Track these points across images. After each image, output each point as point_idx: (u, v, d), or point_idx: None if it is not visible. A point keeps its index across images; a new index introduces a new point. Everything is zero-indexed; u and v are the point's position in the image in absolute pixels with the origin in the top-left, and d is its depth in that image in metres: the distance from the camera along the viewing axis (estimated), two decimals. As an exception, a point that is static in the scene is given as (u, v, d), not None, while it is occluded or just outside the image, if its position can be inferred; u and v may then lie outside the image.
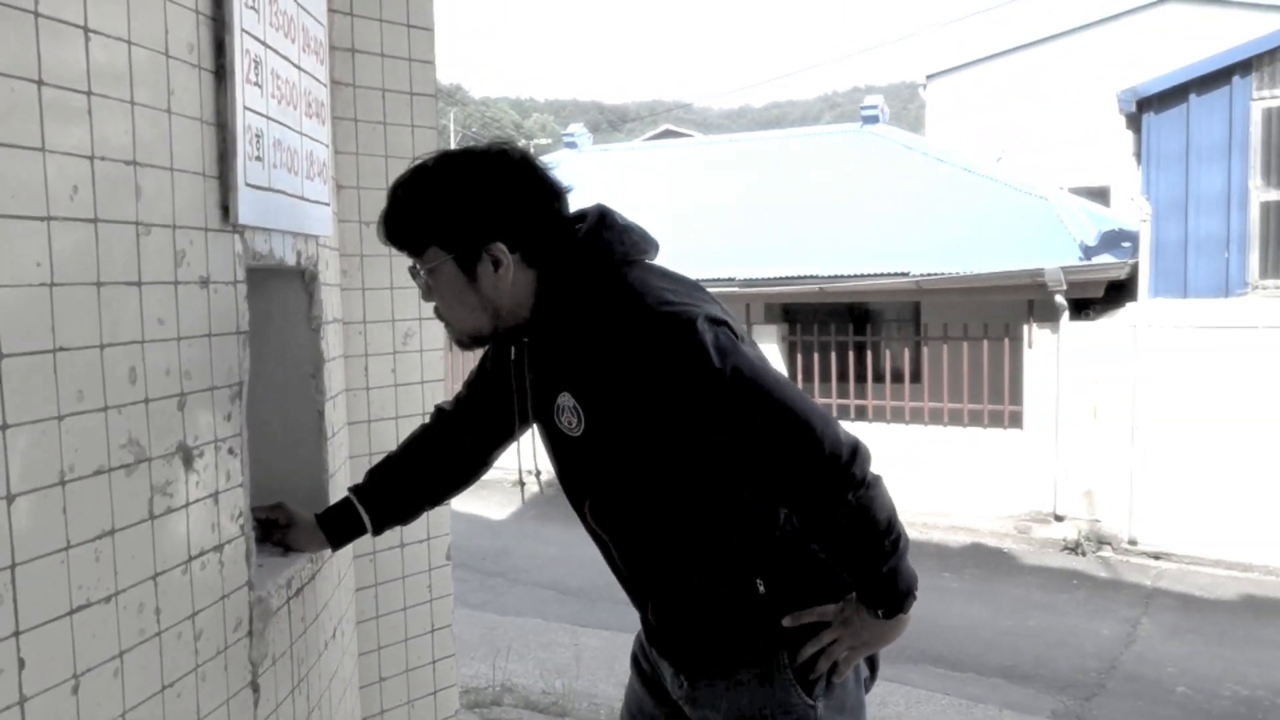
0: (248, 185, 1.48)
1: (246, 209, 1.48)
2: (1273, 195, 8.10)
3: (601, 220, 1.57)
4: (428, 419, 1.92)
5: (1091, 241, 9.42)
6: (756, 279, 10.21)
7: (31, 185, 1.09)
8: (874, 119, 14.05)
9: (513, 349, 1.65)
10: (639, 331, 1.44)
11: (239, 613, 1.49)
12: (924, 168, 12.13)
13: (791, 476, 1.44)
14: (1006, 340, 9.21)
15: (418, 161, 1.57)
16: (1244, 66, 8.11)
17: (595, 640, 6.43)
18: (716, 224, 11.88)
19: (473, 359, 1.83)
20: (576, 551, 7.47)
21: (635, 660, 1.87)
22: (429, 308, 2.40)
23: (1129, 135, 14.28)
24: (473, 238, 1.50)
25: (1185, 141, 8.37)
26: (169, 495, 1.31)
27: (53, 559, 1.11)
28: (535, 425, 1.74)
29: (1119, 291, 8.88)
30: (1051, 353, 8.87)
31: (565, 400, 1.55)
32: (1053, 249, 9.22)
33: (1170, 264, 8.43)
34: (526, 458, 1.95)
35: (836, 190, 12.04)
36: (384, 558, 2.36)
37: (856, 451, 1.45)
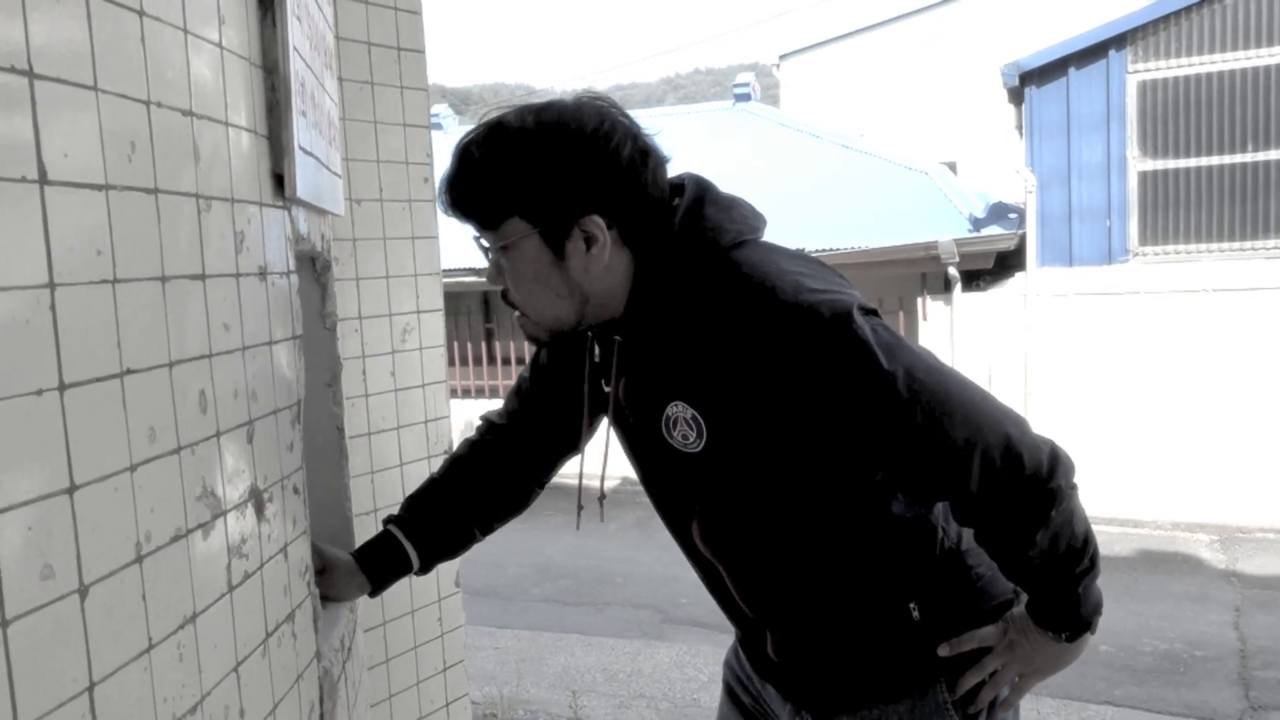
0: (300, 149, 1.15)
1: (300, 178, 1.15)
2: (1149, 165, 8.40)
3: (702, 193, 1.30)
4: (473, 434, 1.62)
5: (978, 214, 9.61)
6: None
7: (86, 138, 0.76)
8: (746, 96, 14.03)
9: (595, 349, 1.36)
10: (781, 328, 1.17)
11: (311, 694, 1.17)
12: (802, 144, 12.16)
13: (984, 497, 1.21)
14: (901, 314, 9.31)
15: (493, 116, 1.27)
16: (1120, 40, 8.35)
17: (515, 642, 6.15)
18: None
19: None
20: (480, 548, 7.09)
21: (731, 690, 1.62)
22: (429, 298, 2.09)
23: (977, 111, 14.75)
24: (564, 208, 1.22)
25: (1066, 113, 8.58)
26: (245, 557, 0.99)
27: (135, 667, 0.79)
28: (617, 435, 1.46)
29: (1006, 263, 9.07)
30: (945, 325, 9.01)
31: (678, 411, 1.27)
32: (941, 222, 9.35)
33: (1055, 234, 8.65)
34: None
35: (717, 168, 11.88)
36: (389, 591, 2.03)
37: (1057, 459, 1.24)
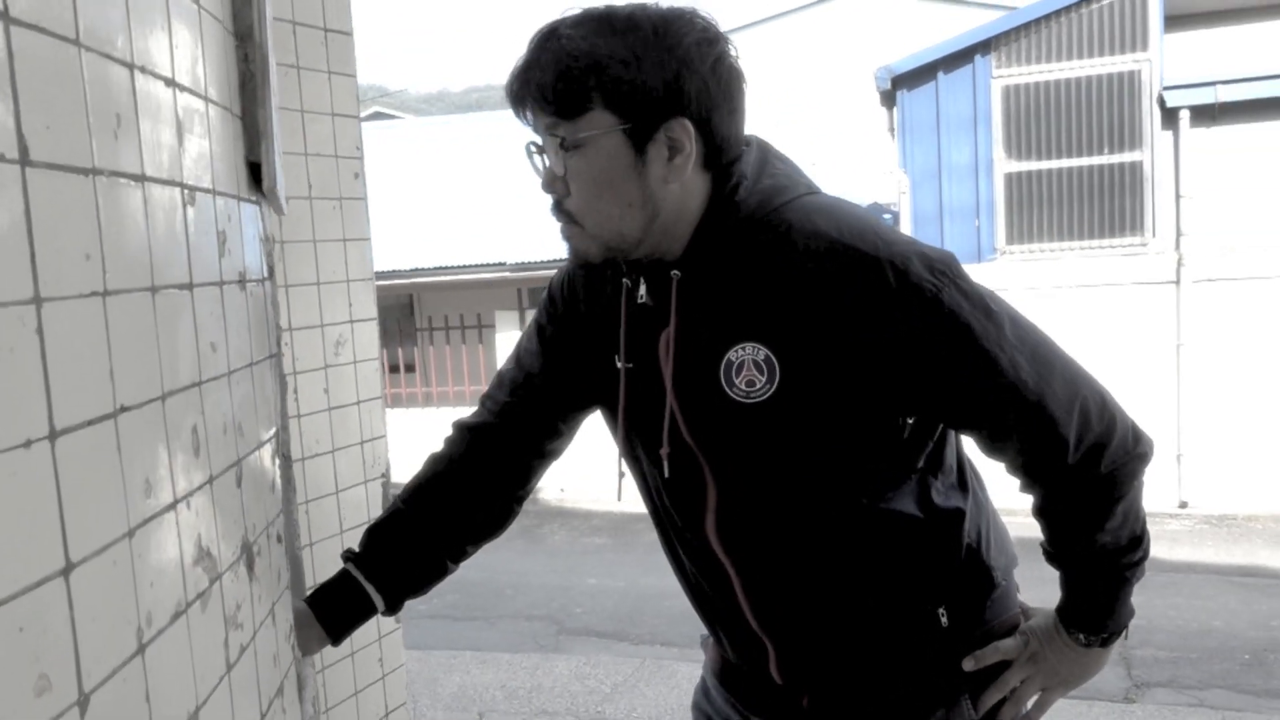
0: (274, 132, 0.97)
1: (277, 168, 0.97)
2: (1014, 166, 8.71)
3: (768, 146, 1.24)
4: (441, 446, 1.44)
5: (853, 214, 9.79)
6: (529, 262, 9.83)
7: (70, 107, 0.58)
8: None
9: (641, 287, 1.23)
10: (882, 271, 1.12)
11: (299, 776, 0.99)
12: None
13: (1080, 456, 1.17)
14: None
15: (580, 8, 1.16)
16: (985, 46, 8.64)
17: (406, 663, 5.88)
18: (480, 206, 11.36)
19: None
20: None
21: None
22: (362, 306, 1.90)
23: (843, 114, 15.09)
24: (658, 105, 1.11)
25: (936, 116, 8.83)
26: (240, 627, 0.81)
27: (140, 789, 0.61)
28: (617, 421, 1.32)
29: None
30: (825, 323, 9.13)
31: (747, 353, 1.16)
32: (817, 222, 9.48)
33: (928, 233, 8.88)
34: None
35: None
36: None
37: (1140, 429, 1.21)
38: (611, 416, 1.35)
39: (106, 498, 0.59)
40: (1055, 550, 1.26)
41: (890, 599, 1.27)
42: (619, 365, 1.28)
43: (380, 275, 9.31)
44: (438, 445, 1.46)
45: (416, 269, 10.20)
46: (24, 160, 0.52)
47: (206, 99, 0.81)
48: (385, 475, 1.91)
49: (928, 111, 8.86)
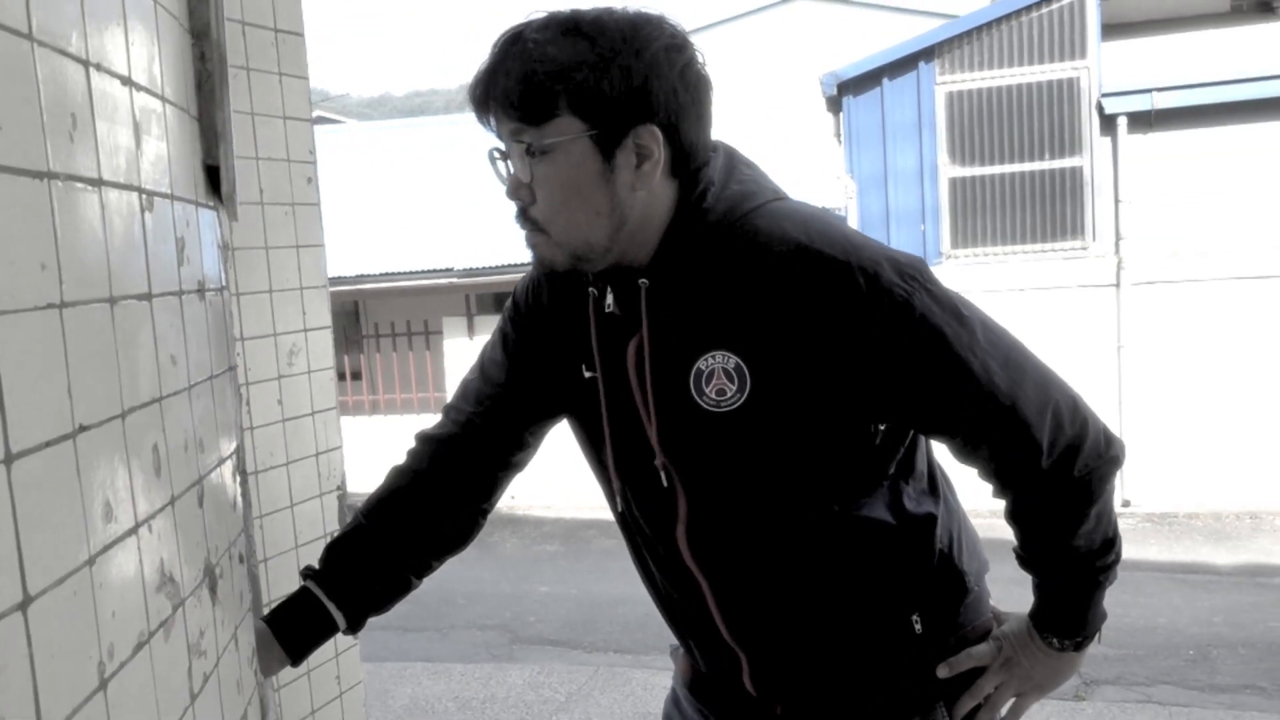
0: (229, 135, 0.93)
1: (235, 172, 0.93)
2: (958, 171, 8.83)
3: (734, 152, 1.23)
4: (404, 459, 1.40)
5: (801, 219, 9.85)
6: (476, 268, 9.74)
7: (25, 105, 0.54)
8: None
9: (608, 296, 1.20)
10: (850, 276, 1.10)
11: (263, 808, 0.95)
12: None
13: (1053, 460, 1.16)
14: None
15: (545, 12, 1.13)
16: (928, 53, 8.75)
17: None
18: (427, 211, 11.24)
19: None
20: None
21: None
22: (316, 314, 1.85)
23: (787, 119, 15.19)
24: (625, 111, 1.09)
25: (882, 122, 8.92)
26: (203, 654, 0.77)
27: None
28: (582, 431, 1.30)
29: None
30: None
31: (717, 361, 1.14)
32: (766, 227, 9.52)
33: (876, 237, 8.91)
34: None
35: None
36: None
37: (1111, 432, 1.21)
38: (579, 426, 1.33)
39: (66, 524, 0.56)
40: (1028, 554, 1.26)
41: (863, 607, 1.25)
42: (586, 375, 1.25)
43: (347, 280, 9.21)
44: (386, 453, 1.42)
45: (362, 275, 10.06)
46: (-25, 163, 0.49)
47: (164, 99, 0.77)
48: (341, 487, 1.86)
49: (873, 117, 8.95)
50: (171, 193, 0.77)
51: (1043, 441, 1.14)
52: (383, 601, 1.35)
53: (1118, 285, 8.34)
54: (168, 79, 0.78)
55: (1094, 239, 8.52)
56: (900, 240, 8.89)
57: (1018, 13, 8.55)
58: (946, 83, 8.76)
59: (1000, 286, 8.46)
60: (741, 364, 1.14)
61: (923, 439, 1.28)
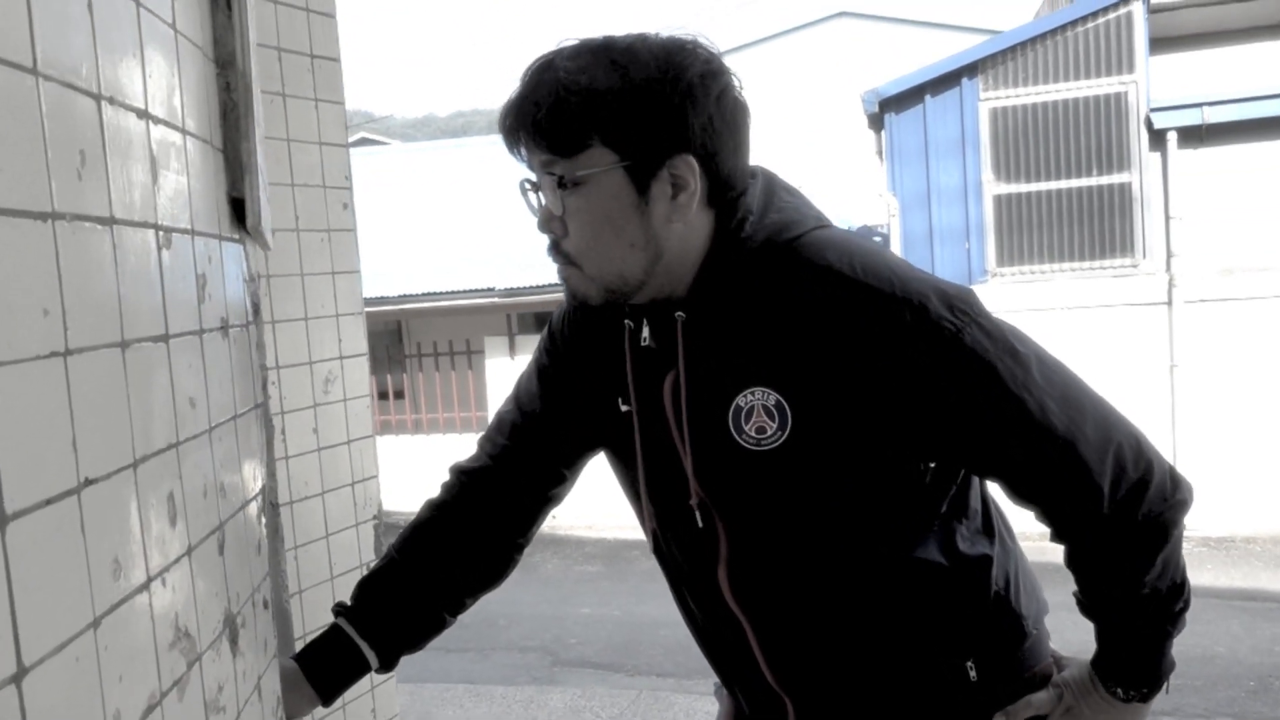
0: (259, 167, 0.90)
1: (263, 204, 0.90)
2: (1003, 188, 8.71)
3: (774, 178, 1.18)
4: (438, 493, 1.37)
5: (844, 237, 9.77)
6: (518, 288, 9.75)
7: (27, 144, 0.51)
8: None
9: (644, 329, 1.16)
10: (898, 309, 1.05)
11: None
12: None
13: (1115, 505, 1.09)
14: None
15: (577, 39, 1.10)
16: (971, 69, 8.65)
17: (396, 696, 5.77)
18: (469, 231, 11.31)
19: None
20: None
21: None
22: (352, 342, 1.83)
23: (825, 137, 15.09)
24: (660, 141, 1.05)
25: (924, 139, 8.83)
26: (222, 710, 0.73)
27: None
28: (622, 466, 1.26)
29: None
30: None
31: (757, 398, 1.10)
32: (808, 245, 9.46)
33: (919, 256, 8.85)
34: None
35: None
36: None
37: (1178, 473, 1.15)
38: (615, 459, 1.29)
39: (68, 586, 0.52)
40: (1089, 601, 1.19)
41: (915, 652, 1.20)
42: (622, 408, 1.21)
43: (369, 302, 9.23)
44: (428, 472, 1.39)
45: (405, 295, 10.13)
46: (-31, 206, 0.46)
47: (184, 131, 0.74)
48: (377, 517, 1.84)
49: (915, 134, 8.86)
50: (192, 228, 0.74)
51: (1104, 485, 1.08)
52: (416, 640, 1.32)
53: (1169, 303, 8.16)
54: (189, 110, 0.76)
55: (1144, 256, 8.34)
56: (944, 258, 8.78)
57: (1063, 27, 8.44)
58: (990, 99, 8.65)
59: (1047, 305, 8.31)
60: (782, 401, 1.09)
61: (976, 477, 1.22)
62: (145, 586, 0.61)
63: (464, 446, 1.40)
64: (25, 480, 0.49)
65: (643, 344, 1.17)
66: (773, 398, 1.09)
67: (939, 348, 1.05)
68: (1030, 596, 1.25)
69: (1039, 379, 1.07)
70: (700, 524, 1.18)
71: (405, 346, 11.62)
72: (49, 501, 0.51)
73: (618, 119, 1.04)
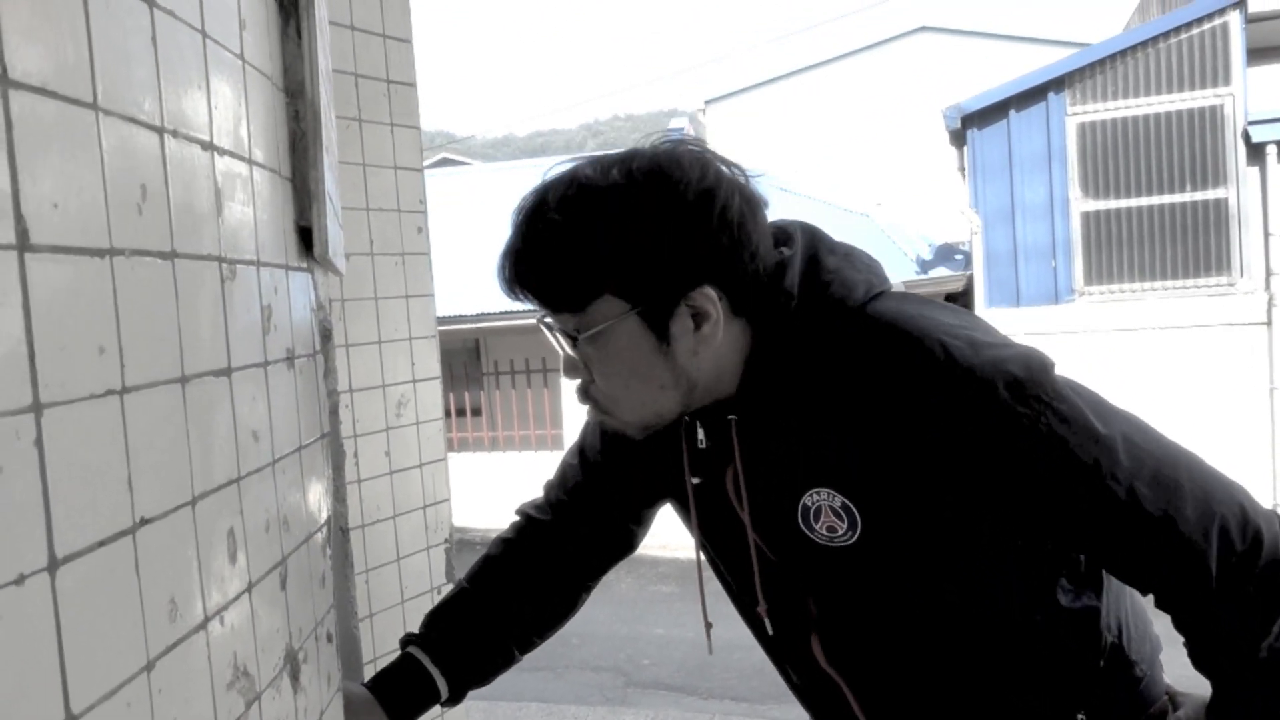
0: (328, 195, 0.90)
1: (330, 232, 0.90)
2: (1091, 205, 8.47)
3: (816, 242, 1.09)
4: (507, 530, 1.37)
5: (924, 255, 9.62)
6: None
7: (85, 179, 0.50)
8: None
9: (698, 432, 1.13)
10: (963, 391, 0.96)
11: None
12: (742, 188, 12.11)
13: (1223, 582, 1.00)
14: (850, 356, 9.22)
15: (562, 171, 1.04)
16: (1058, 83, 8.45)
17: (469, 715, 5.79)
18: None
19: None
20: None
21: None
22: (425, 365, 1.83)
23: (904, 153, 14.85)
24: (670, 281, 0.99)
25: (1008, 155, 8.64)
26: (281, 749, 0.72)
27: None
28: (702, 538, 1.23)
29: (956, 304, 9.07)
30: (896, 366, 8.93)
31: (823, 499, 1.04)
32: (887, 264, 9.30)
33: (1002, 274, 8.66)
34: None
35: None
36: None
37: None
38: (685, 518, 1.26)
39: (120, 629, 0.51)
40: (1201, 664, 1.11)
41: (1024, 708, 1.14)
42: (689, 480, 1.18)
43: (447, 320, 9.35)
44: (503, 489, 1.39)
45: (482, 314, 10.23)
46: (22, 245, 0.45)
47: (251, 161, 0.73)
48: (449, 540, 1.83)
49: (999, 150, 8.68)
50: (257, 259, 0.74)
51: (1209, 564, 0.99)
52: (485, 672, 1.31)
53: (1269, 323, 7.84)
54: (256, 140, 0.75)
55: (1241, 274, 8.03)
56: (1029, 276, 8.57)
57: (1156, 39, 8.20)
58: (1078, 113, 8.44)
59: (1137, 325, 8.04)
60: (849, 503, 1.03)
61: None
62: (203, 626, 0.60)
63: (539, 464, 1.39)
64: (77, 522, 0.48)
65: (699, 445, 1.13)
66: (838, 499, 1.04)
67: (1015, 440, 0.97)
68: (1143, 639, 1.18)
69: (1125, 462, 0.98)
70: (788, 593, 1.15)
71: (482, 364, 11.74)
72: (102, 543, 0.50)
73: (621, 267, 0.98)
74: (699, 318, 1.01)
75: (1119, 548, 1.01)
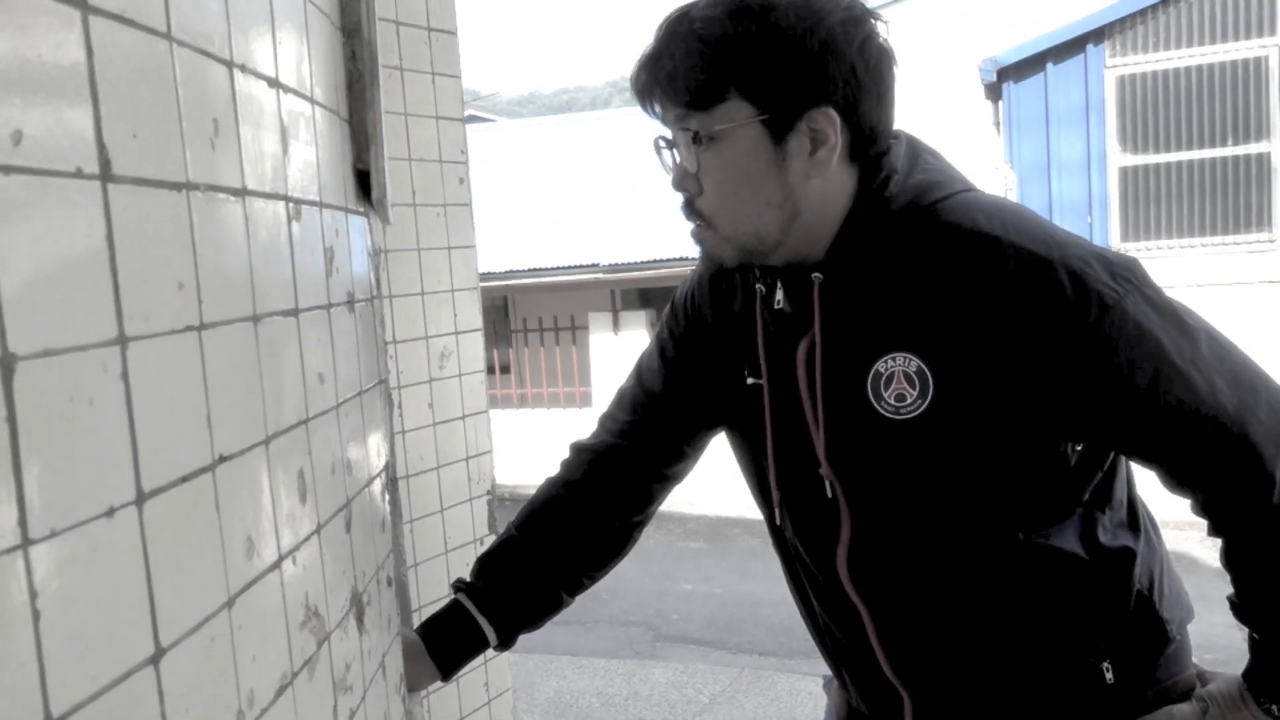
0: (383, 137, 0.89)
1: (385, 176, 0.89)
2: (1130, 160, 8.32)
3: (917, 140, 1.12)
4: (558, 470, 1.36)
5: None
6: (622, 264, 9.75)
7: (162, 110, 0.50)
8: (711, 96, 13.86)
9: (778, 293, 1.12)
10: (1053, 275, 0.98)
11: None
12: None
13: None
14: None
15: None
16: (1097, 35, 8.26)
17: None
18: (574, 207, 11.36)
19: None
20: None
21: None
22: (467, 317, 1.83)
23: (936, 108, 14.58)
24: (799, 93, 1.00)
25: (1045, 109, 8.48)
26: (349, 689, 0.73)
27: None
28: (739, 441, 1.23)
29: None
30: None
31: (898, 364, 1.04)
32: (919, 220, 9.21)
33: (1037, 230, 8.55)
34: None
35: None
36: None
37: None
38: (738, 438, 1.25)
39: (203, 564, 0.51)
40: (1246, 605, 1.09)
41: (1047, 648, 1.12)
42: (749, 382, 1.17)
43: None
44: (533, 445, 1.39)
45: (511, 271, 10.25)
46: (105, 175, 0.44)
47: (313, 101, 0.73)
48: (491, 492, 1.84)
49: (1036, 104, 8.51)
50: (320, 200, 0.73)
51: (1276, 473, 0.98)
52: (534, 618, 1.31)
53: (1310, 280, 7.70)
54: (317, 80, 0.74)
55: (1283, 230, 7.88)
56: (1064, 233, 8.45)
57: (1198, -12, 7.99)
58: (1117, 65, 8.25)
59: (1176, 282, 7.92)
60: (924, 367, 1.03)
61: (1124, 463, 1.14)
62: (277, 565, 0.60)
63: (567, 421, 1.39)
64: (162, 457, 0.48)
65: (776, 306, 1.12)
66: (914, 364, 1.04)
67: (1099, 316, 0.97)
68: (1175, 602, 1.16)
69: (1209, 355, 0.99)
70: (828, 495, 1.14)
71: (511, 322, 11.77)
72: (185, 479, 0.50)
73: (755, 69, 0.99)
74: (817, 141, 1.02)
75: (1190, 444, 1.01)
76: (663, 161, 1.10)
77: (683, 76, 1.01)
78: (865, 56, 1.01)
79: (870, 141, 1.05)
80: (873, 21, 1.04)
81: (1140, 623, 1.13)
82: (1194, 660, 1.21)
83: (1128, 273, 1.00)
